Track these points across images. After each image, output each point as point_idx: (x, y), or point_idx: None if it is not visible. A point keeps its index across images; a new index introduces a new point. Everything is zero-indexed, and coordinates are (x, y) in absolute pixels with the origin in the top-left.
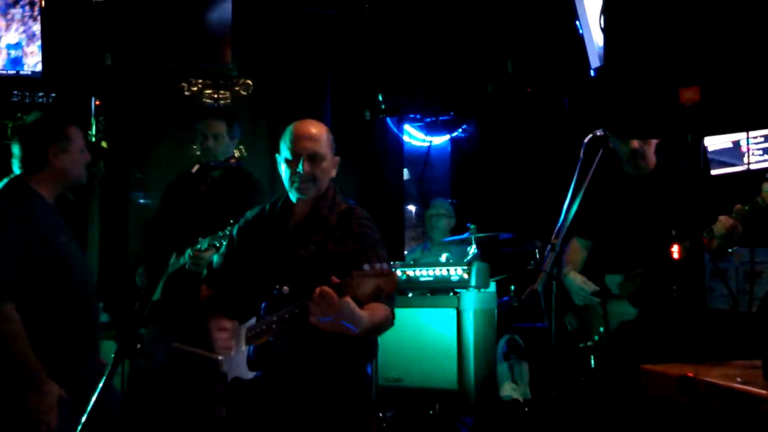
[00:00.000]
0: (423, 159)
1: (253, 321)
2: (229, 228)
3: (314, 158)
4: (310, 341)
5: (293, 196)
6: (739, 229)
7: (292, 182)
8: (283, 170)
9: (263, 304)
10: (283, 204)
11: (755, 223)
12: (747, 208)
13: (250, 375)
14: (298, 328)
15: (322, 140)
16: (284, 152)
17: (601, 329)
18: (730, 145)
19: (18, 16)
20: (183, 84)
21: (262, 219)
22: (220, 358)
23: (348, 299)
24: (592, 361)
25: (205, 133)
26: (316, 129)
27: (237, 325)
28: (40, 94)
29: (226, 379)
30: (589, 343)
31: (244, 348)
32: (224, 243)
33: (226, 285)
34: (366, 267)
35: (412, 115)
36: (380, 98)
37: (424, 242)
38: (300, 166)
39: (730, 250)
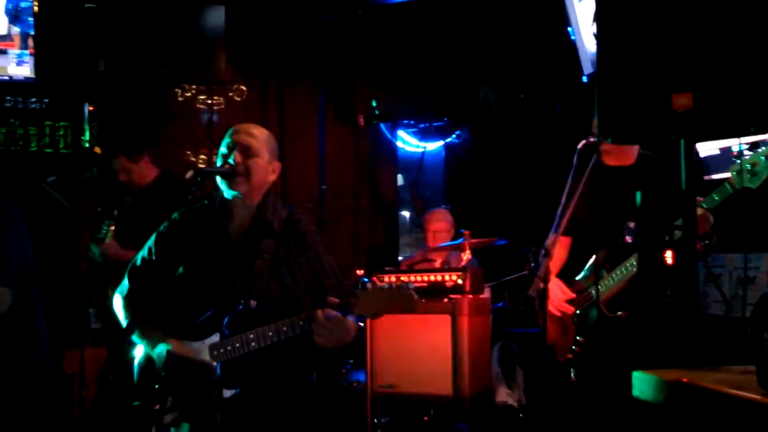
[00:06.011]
0: (417, 165)
1: (215, 338)
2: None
3: (248, 151)
4: (273, 355)
5: (226, 193)
6: (711, 220)
7: (224, 176)
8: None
9: (225, 320)
10: (220, 208)
11: (747, 229)
12: (716, 197)
13: (228, 393)
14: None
15: (260, 138)
16: (221, 148)
17: (579, 339)
18: (720, 152)
19: None
20: (176, 90)
21: (195, 224)
22: (215, 364)
23: (349, 318)
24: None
25: (116, 170)
26: (256, 129)
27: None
28: (33, 99)
29: (221, 386)
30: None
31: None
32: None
33: (159, 298)
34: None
35: (405, 121)
36: (374, 104)
37: (423, 249)
38: (232, 157)
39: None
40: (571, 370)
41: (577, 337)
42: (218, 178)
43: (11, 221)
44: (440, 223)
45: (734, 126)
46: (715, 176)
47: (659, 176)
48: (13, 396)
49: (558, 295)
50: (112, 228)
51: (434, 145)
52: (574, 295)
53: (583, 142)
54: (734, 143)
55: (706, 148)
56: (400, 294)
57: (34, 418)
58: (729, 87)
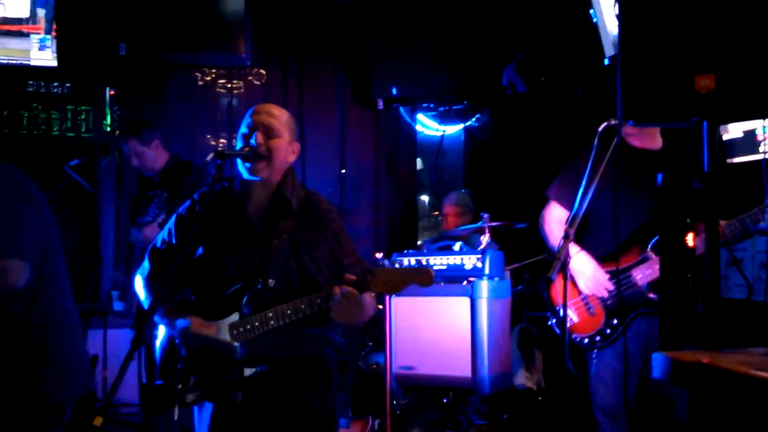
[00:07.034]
0: (436, 148)
1: (234, 317)
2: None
3: (269, 132)
4: (293, 334)
5: (245, 175)
6: None
7: (245, 158)
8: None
9: (244, 299)
10: (239, 188)
11: None
12: None
13: (249, 372)
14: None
15: (281, 119)
16: (241, 129)
17: (614, 322)
18: (744, 135)
19: None
20: (196, 74)
21: (214, 205)
22: (235, 344)
23: (366, 295)
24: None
25: (128, 155)
26: (276, 109)
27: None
28: (55, 84)
29: (242, 366)
30: (585, 341)
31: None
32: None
33: (180, 279)
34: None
35: (425, 104)
36: (393, 87)
37: (443, 233)
38: (253, 138)
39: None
40: (593, 353)
41: (613, 320)
42: (238, 160)
43: (27, 196)
44: (450, 207)
45: (758, 108)
46: (737, 159)
47: (684, 164)
48: (26, 380)
49: (595, 275)
50: (162, 214)
51: (454, 129)
52: (608, 276)
53: (605, 124)
54: (758, 125)
55: (730, 131)
56: (417, 269)
57: (49, 397)
58: (752, 68)
